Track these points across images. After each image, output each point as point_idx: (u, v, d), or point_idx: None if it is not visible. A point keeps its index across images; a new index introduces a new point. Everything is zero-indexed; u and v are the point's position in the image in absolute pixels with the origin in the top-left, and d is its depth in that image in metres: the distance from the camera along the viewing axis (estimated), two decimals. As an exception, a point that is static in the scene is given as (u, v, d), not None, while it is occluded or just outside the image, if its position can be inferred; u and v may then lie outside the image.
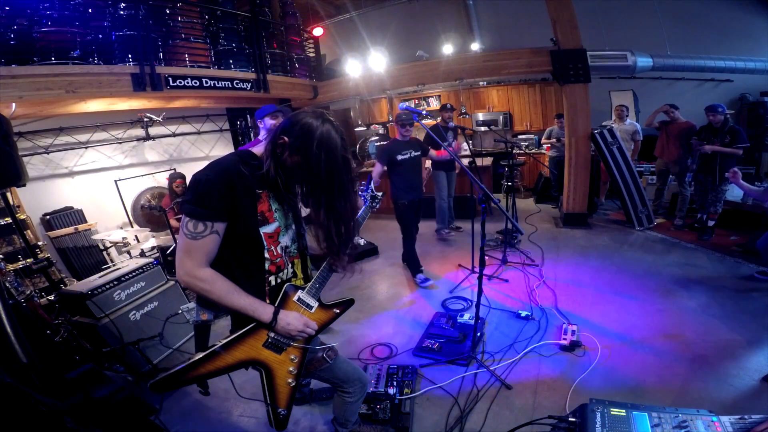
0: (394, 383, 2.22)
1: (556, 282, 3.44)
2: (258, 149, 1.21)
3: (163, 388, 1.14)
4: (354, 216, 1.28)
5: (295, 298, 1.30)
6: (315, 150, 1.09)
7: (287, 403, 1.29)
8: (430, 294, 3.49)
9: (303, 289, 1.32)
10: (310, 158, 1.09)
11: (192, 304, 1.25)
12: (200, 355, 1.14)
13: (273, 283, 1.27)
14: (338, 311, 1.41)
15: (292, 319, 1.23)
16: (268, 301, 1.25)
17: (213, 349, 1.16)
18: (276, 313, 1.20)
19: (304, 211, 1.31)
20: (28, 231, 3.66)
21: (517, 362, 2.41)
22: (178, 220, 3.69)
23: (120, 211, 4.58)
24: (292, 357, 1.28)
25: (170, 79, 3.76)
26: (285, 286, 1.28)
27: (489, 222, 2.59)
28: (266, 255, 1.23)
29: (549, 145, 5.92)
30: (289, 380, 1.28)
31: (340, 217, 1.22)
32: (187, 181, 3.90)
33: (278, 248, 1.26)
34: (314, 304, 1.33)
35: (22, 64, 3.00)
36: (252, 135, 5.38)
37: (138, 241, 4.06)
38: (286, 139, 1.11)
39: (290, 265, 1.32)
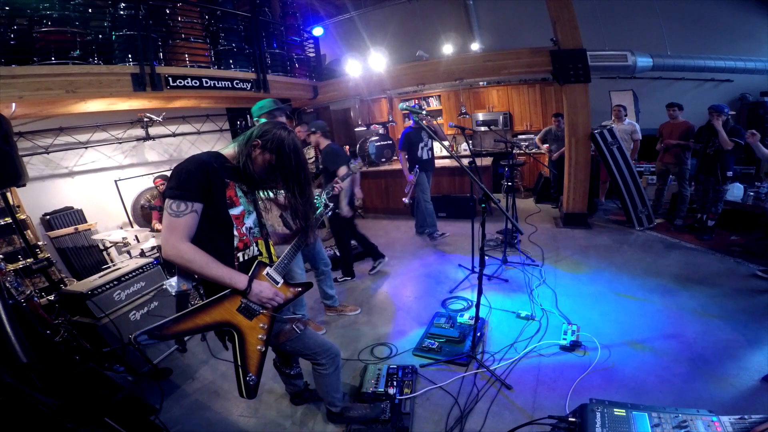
0: (394, 383, 2.22)
1: (556, 282, 3.44)
2: (226, 151, 1.49)
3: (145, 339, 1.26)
4: (313, 200, 1.64)
5: (265, 272, 1.53)
6: (287, 151, 1.44)
7: (257, 369, 1.44)
8: (430, 294, 3.49)
9: (271, 266, 1.56)
10: (283, 157, 1.44)
11: (174, 279, 1.36)
12: (179, 313, 1.32)
13: (241, 259, 1.48)
14: (300, 290, 1.66)
15: (264, 288, 1.45)
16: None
17: (195, 306, 1.35)
18: (250, 282, 1.41)
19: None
20: (28, 231, 3.66)
21: (517, 362, 2.41)
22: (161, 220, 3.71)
23: (120, 211, 4.58)
24: (262, 324, 1.47)
25: (170, 79, 3.76)
26: (256, 261, 1.50)
27: (489, 222, 2.59)
28: (235, 232, 1.45)
29: (547, 146, 5.92)
30: (259, 346, 1.45)
31: (308, 198, 1.56)
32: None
33: (244, 228, 1.50)
34: (280, 280, 1.57)
35: (22, 64, 3.00)
36: None
37: (138, 241, 4.06)
38: (259, 141, 1.43)
39: (255, 244, 1.55)
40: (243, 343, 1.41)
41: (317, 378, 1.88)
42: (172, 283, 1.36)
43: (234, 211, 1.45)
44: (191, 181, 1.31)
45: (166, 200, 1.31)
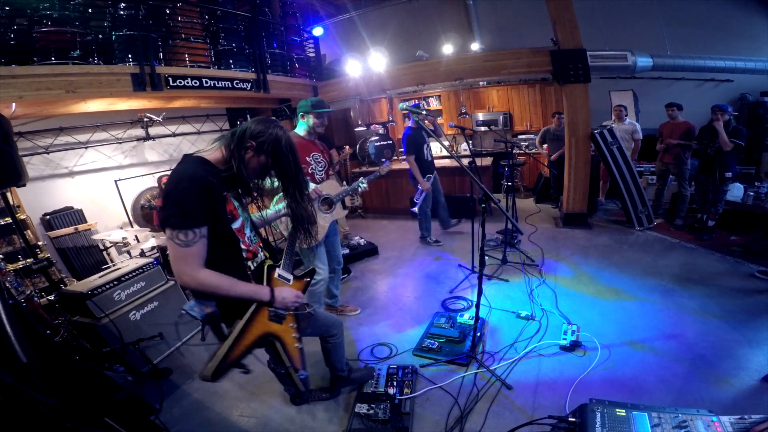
0: (394, 383, 2.22)
1: (556, 282, 3.44)
2: (211, 155, 1.35)
3: (218, 376, 1.31)
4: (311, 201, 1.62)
5: (276, 275, 1.54)
6: (285, 152, 1.36)
7: (302, 364, 1.55)
8: (430, 294, 3.49)
9: (278, 267, 1.57)
10: (281, 158, 1.36)
11: (192, 302, 1.35)
12: (229, 342, 1.33)
13: (252, 267, 1.49)
14: (308, 280, 1.70)
15: (286, 294, 1.46)
16: (252, 283, 1.46)
17: (233, 333, 1.35)
18: (272, 292, 1.42)
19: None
20: (28, 231, 3.65)
21: (517, 362, 2.41)
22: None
23: (120, 211, 4.57)
24: (291, 324, 1.53)
25: (170, 79, 3.75)
26: (265, 267, 1.51)
27: (489, 222, 2.59)
28: (242, 246, 1.44)
29: (547, 146, 5.92)
30: (297, 344, 1.53)
31: (310, 200, 1.54)
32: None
33: (246, 239, 1.48)
34: (290, 277, 1.60)
35: (22, 64, 2.99)
36: None
37: (138, 241, 4.05)
38: (253, 143, 1.32)
39: (260, 249, 1.56)
40: (284, 346, 1.48)
41: (330, 350, 2.02)
42: (195, 309, 1.34)
43: (236, 225, 1.40)
44: (193, 204, 1.21)
45: (170, 230, 1.19)
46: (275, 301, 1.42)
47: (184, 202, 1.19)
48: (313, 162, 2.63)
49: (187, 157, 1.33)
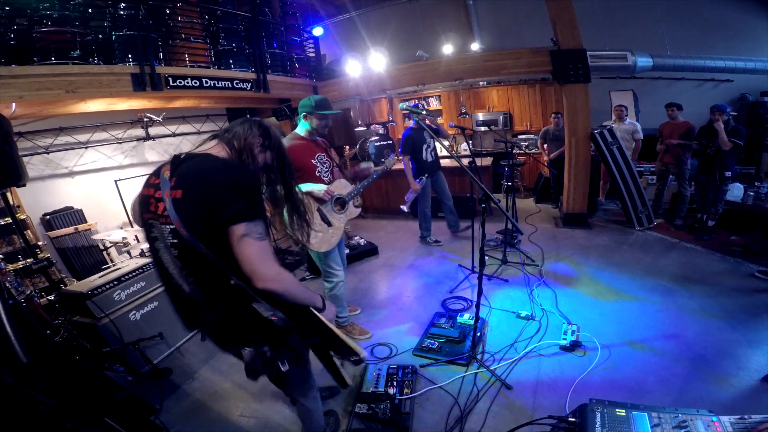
0: (394, 383, 2.22)
1: (556, 282, 3.44)
2: (217, 152, 1.26)
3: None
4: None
5: None
6: (284, 148, 1.42)
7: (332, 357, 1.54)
8: (430, 294, 3.49)
9: None
10: (283, 153, 1.41)
11: (271, 310, 1.19)
12: (341, 336, 1.30)
13: None
14: None
15: (329, 304, 1.39)
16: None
17: (339, 335, 1.32)
18: (323, 300, 1.35)
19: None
20: (28, 231, 3.65)
21: (517, 362, 2.41)
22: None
23: (120, 211, 4.58)
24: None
25: (170, 79, 3.75)
26: None
27: (489, 222, 2.59)
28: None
29: (547, 146, 5.92)
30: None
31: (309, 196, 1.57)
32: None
33: None
34: None
35: (22, 64, 2.99)
36: None
37: (138, 241, 4.05)
38: (261, 140, 1.34)
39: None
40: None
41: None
42: (278, 313, 1.21)
43: None
44: (258, 194, 1.17)
45: (245, 224, 1.07)
46: (325, 311, 1.34)
47: (253, 191, 1.12)
48: (318, 163, 2.50)
49: (198, 155, 1.23)
